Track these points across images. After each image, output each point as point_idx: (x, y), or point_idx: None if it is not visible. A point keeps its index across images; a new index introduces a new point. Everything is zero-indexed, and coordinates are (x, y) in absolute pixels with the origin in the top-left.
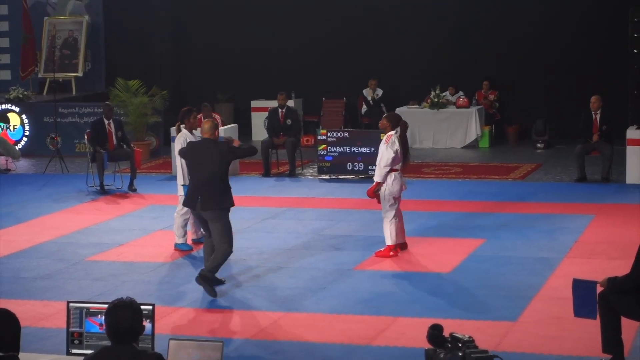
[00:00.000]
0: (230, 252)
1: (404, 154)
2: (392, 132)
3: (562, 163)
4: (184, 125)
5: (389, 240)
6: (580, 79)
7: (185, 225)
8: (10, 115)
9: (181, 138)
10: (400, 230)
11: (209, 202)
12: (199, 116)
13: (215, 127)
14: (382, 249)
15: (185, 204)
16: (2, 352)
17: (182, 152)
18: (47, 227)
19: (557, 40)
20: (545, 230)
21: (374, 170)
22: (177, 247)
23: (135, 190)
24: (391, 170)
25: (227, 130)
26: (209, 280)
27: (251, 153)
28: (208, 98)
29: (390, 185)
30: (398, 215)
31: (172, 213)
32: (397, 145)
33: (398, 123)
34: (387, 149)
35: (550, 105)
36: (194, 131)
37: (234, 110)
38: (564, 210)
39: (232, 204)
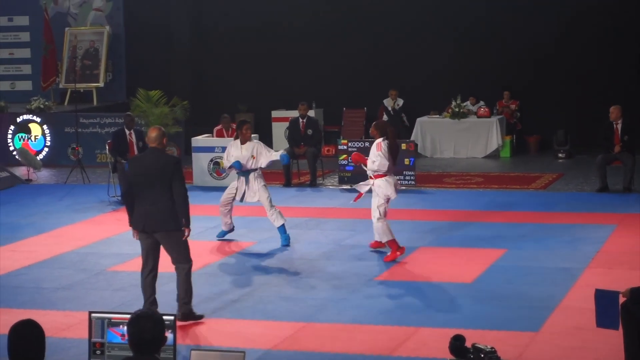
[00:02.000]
0: (191, 266)
1: (394, 159)
2: (381, 140)
3: (584, 173)
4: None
5: (386, 237)
6: (601, 89)
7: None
8: (31, 125)
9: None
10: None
11: (161, 221)
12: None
13: (163, 135)
14: (388, 253)
15: (131, 224)
16: None
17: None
18: (68, 238)
19: (577, 50)
20: (567, 241)
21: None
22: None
23: None
24: (382, 175)
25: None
26: (190, 316)
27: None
28: (229, 108)
29: (384, 188)
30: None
31: (195, 223)
32: (387, 153)
33: (385, 131)
34: (381, 157)
35: (572, 115)
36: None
37: (255, 121)
38: (586, 221)
39: (185, 225)
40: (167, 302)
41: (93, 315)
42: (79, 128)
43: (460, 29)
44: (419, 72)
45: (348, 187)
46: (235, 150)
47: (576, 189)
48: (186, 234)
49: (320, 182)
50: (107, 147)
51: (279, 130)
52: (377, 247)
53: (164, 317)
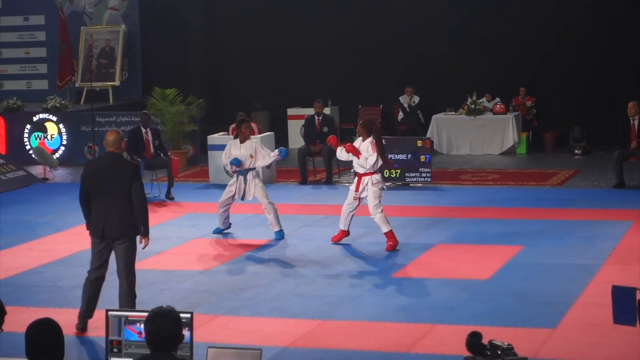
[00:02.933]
0: (134, 281)
1: (383, 156)
2: (369, 139)
3: (600, 169)
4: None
5: (386, 227)
6: (618, 85)
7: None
8: (47, 124)
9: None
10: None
11: (119, 228)
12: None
13: (122, 138)
14: (388, 241)
15: (90, 231)
16: None
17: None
18: (84, 236)
19: (594, 45)
20: (583, 237)
21: (411, 177)
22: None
23: (172, 198)
24: (374, 172)
25: (263, 139)
26: None
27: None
28: (244, 106)
29: (379, 183)
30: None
31: (210, 221)
32: (377, 151)
33: (372, 129)
34: (377, 156)
35: (588, 111)
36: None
37: (270, 119)
38: (603, 217)
39: (143, 233)
40: (182, 299)
41: (110, 313)
42: (95, 127)
43: (476, 25)
44: (435, 69)
45: None
46: (234, 149)
47: (592, 185)
48: (145, 242)
49: (336, 179)
50: (123, 146)
51: (295, 128)
52: (341, 238)
53: (181, 315)
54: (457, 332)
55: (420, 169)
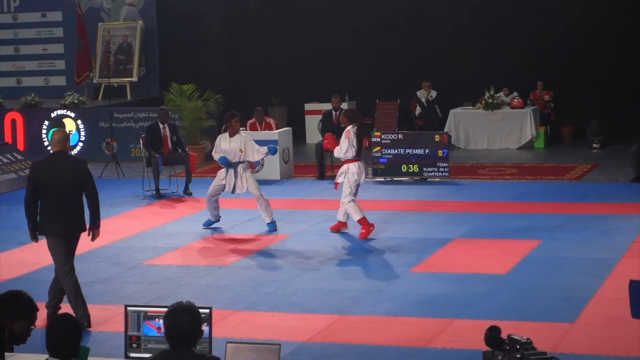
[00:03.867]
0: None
1: (360, 145)
2: (350, 127)
3: (618, 163)
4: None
5: (358, 215)
6: (635, 78)
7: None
8: (65, 120)
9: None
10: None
11: (79, 225)
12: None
13: (67, 137)
14: (361, 232)
15: (43, 231)
16: (64, 356)
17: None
18: (103, 232)
19: (611, 39)
20: (601, 231)
21: (429, 172)
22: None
23: (190, 194)
24: (353, 160)
25: (281, 134)
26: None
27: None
28: (262, 101)
29: (355, 174)
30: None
31: (229, 217)
32: (355, 140)
33: (355, 118)
34: (348, 144)
35: (605, 105)
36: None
37: (288, 114)
38: (621, 211)
39: (95, 226)
40: (201, 294)
41: (129, 308)
42: (113, 123)
43: (493, 19)
44: (452, 64)
45: (382, 179)
46: (224, 143)
47: (610, 179)
48: (96, 234)
49: None
50: (141, 142)
51: (312, 123)
52: (339, 228)
53: (200, 310)
54: (475, 327)
55: (438, 164)
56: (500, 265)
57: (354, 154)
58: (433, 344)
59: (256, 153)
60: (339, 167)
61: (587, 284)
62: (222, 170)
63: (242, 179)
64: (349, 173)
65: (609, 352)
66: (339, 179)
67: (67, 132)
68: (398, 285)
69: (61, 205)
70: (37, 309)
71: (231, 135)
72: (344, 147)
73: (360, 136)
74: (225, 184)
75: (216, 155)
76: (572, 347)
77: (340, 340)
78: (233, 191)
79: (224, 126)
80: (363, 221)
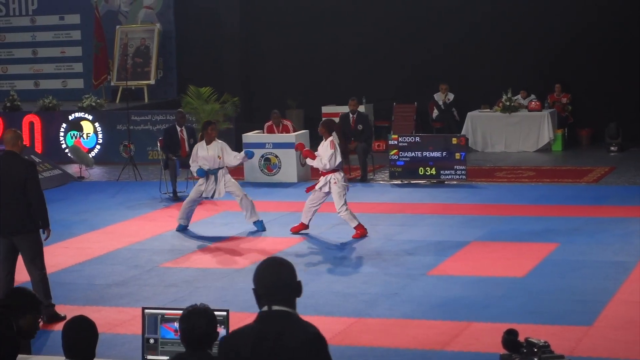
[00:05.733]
0: (45, 273)
1: (344, 154)
2: (331, 137)
3: (636, 166)
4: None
5: (353, 222)
6: None
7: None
8: (83, 123)
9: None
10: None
11: (13, 226)
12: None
13: (19, 137)
14: (356, 232)
15: None
16: (81, 358)
17: None
18: (120, 234)
19: (629, 42)
20: (619, 234)
21: (446, 175)
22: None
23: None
24: (335, 170)
25: (298, 137)
26: (55, 318)
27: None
28: (279, 104)
29: (342, 181)
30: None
31: (244, 219)
32: (339, 150)
33: (333, 128)
34: (334, 155)
35: (623, 108)
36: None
37: (305, 117)
38: (639, 214)
39: (40, 225)
40: (218, 298)
41: (146, 311)
42: (131, 125)
43: (510, 22)
44: (469, 66)
45: (399, 182)
46: (202, 151)
47: (628, 182)
48: (46, 235)
49: (371, 177)
50: (158, 144)
51: None
52: (299, 230)
53: (217, 313)
54: (493, 330)
55: (455, 167)
56: (518, 268)
57: (339, 162)
58: (450, 347)
59: (233, 158)
60: (356, 170)
61: (604, 287)
62: (199, 182)
63: (221, 184)
64: (336, 183)
65: (627, 356)
66: (324, 189)
67: (19, 132)
68: (415, 288)
69: (3, 204)
70: (40, 302)
71: (208, 143)
72: (328, 157)
73: (342, 145)
74: (203, 190)
75: (193, 166)
76: (590, 351)
77: (356, 343)
78: (212, 197)
79: (200, 134)
80: (358, 226)
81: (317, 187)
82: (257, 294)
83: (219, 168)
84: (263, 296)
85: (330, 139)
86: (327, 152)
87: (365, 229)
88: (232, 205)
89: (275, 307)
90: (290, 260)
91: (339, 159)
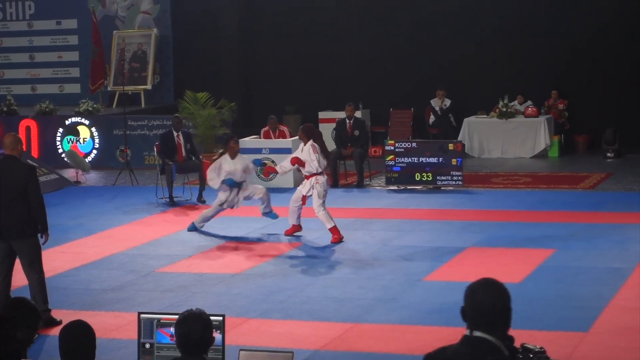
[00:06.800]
0: (43, 277)
1: (327, 158)
2: (311, 142)
3: (633, 172)
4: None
5: (329, 224)
6: None
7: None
8: (80, 128)
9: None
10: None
11: (12, 229)
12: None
13: (18, 141)
14: (333, 237)
15: None
16: None
17: None
18: (117, 239)
19: (625, 48)
20: (616, 240)
21: (442, 180)
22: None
23: (204, 201)
24: (319, 173)
25: (295, 142)
26: (51, 322)
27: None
28: (276, 110)
29: (323, 184)
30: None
31: (243, 224)
32: (321, 154)
33: (313, 134)
34: (318, 158)
35: (620, 114)
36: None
37: (302, 122)
38: (635, 220)
39: (38, 230)
40: (218, 303)
41: (142, 315)
42: (127, 130)
43: (507, 28)
44: (466, 72)
45: (396, 187)
46: (227, 165)
47: (625, 188)
48: (44, 239)
49: (368, 183)
50: (155, 149)
51: (326, 132)
52: (293, 232)
53: (212, 318)
54: None
55: (451, 172)
56: (514, 274)
57: (324, 165)
58: None
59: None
60: (353, 175)
61: (600, 294)
62: (222, 193)
63: (244, 192)
64: (318, 184)
65: None
66: (309, 193)
67: (18, 136)
68: (411, 294)
69: (3, 208)
70: (41, 318)
71: (232, 157)
72: (316, 161)
73: (325, 150)
74: (224, 207)
75: (217, 180)
76: (586, 357)
77: (353, 349)
78: (232, 207)
79: (220, 151)
80: (334, 229)
81: (303, 191)
82: (464, 313)
83: (243, 181)
84: (468, 317)
85: (310, 143)
86: (312, 156)
87: (341, 234)
88: (229, 211)
89: (476, 333)
90: (285, 265)
91: (323, 162)
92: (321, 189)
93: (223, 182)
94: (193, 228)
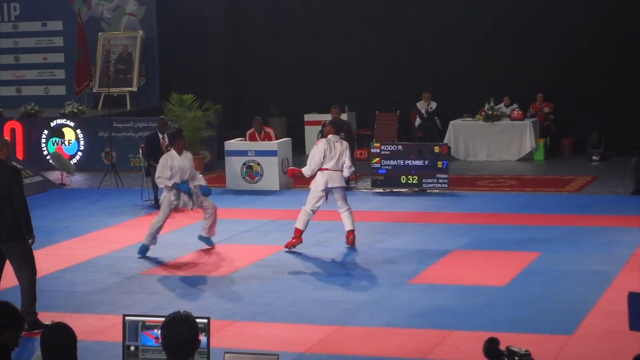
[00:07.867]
0: (35, 275)
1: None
2: (324, 139)
3: (618, 175)
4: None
5: (300, 225)
6: (636, 91)
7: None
8: (65, 130)
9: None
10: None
11: (3, 232)
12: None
13: (5, 144)
14: (290, 240)
15: None
16: None
17: None
18: (102, 241)
19: (611, 52)
20: (601, 243)
21: (428, 183)
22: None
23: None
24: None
25: (280, 144)
26: (36, 326)
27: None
28: (261, 112)
29: (315, 181)
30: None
31: (228, 226)
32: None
33: (341, 129)
34: (317, 152)
35: (605, 118)
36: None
37: (287, 124)
38: (620, 223)
39: (25, 233)
40: (203, 306)
41: (127, 318)
42: (113, 132)
43: (493, 31)
44: (452, 75)
45: (381, 190)
46: (176, 161)
47: (610, 191)
48: (31, 241)
49: (353, 185)
50: (140, 151)
51: (312, 134)
52: (350, 236)
53: (198, 320)
54: (474, 339)
55: (437, 175)
56: (500, 277)
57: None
58: (431, 356)
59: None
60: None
61: (586, 296)
62: (169, 194)
63: (194, 196)
64: (314, 181)
65: None
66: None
67: (5, 138)
68: (397, 297)
69: None
70: (24, 319)
71: (180, 153)
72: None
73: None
74: (177, 204)
75: (168, 182)
76: (571, 359)
77: (338, 352)
78: (191, 207)
79: (166, 146)
80: (298, 232)
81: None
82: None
83: (190, 179)
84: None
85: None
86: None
87: (299, 241)
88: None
89: None
90: (271, 268)
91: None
92: (313, 185)
93: (178, 187)
94: (144, 250)
